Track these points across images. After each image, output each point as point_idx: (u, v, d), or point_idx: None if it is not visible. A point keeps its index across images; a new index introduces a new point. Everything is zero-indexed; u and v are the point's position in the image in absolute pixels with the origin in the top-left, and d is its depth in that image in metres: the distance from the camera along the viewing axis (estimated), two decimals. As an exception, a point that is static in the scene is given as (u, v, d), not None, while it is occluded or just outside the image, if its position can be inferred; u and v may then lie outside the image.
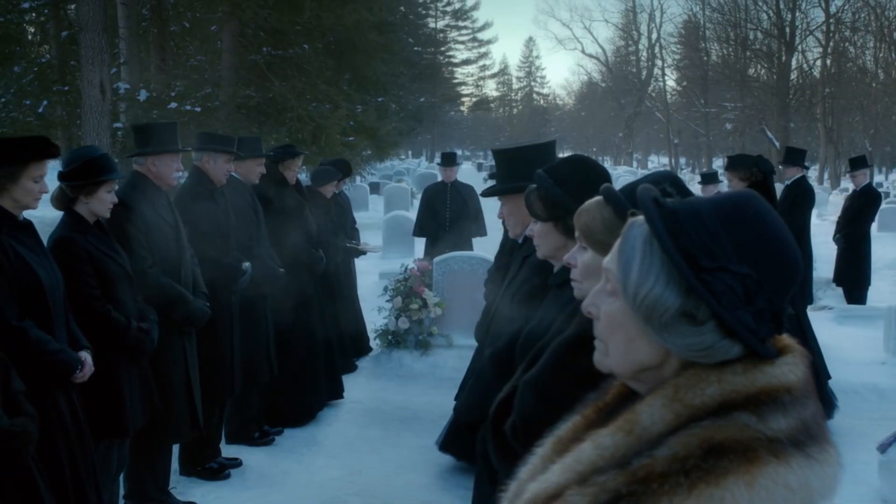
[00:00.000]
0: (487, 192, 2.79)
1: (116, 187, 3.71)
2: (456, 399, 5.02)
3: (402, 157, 45.29)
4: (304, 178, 8.09)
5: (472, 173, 39.32)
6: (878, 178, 38.05)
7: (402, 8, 29.86)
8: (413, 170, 33.89)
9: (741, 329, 1.00)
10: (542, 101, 73.23)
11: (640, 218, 1.14)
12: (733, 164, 5.97)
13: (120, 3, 14.82)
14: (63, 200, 3.55)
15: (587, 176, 2.25)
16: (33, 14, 14.29)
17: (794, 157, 7.57)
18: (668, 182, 1.71)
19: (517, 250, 2.81)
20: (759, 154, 6.69)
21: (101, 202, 3.53)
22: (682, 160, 51.15)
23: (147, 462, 4.07)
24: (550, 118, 71.23)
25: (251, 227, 5.04)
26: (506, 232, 4.76)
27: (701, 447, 0.96)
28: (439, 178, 8.97)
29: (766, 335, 1.03)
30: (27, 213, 3.17)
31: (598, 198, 1.78)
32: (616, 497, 0.99)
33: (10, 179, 3.02)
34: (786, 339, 1.08)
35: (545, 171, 2.29)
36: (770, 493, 0.93)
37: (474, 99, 60.07)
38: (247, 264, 4.67)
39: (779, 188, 8.35)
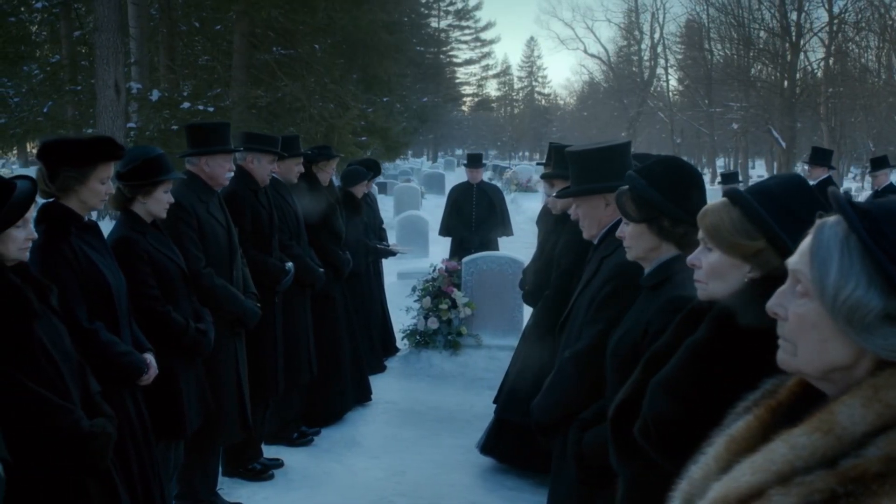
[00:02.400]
0: (564, 194, 2.78)
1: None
2: (495, 402, 5.02)
3: (404, 157, 45.27)
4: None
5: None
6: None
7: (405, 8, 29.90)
8: (418, 169, 33.84)
9: None
10: (543, 101, 73.22)
11: (831, 219, 1.14)
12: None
13: (131, 3, 14.82)
14: (120, 200, 3.54)
15: (681, 177, 2.25)
16: (44, 14, 14.23)
17: (821, 157, 7.59)
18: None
19: (593, 251, 2.80)
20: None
21: (159, 202, 3.51)
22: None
23: (199, 463, 4.07)
24: (552, 118, 71.25)
25: (291, 226, 5.04)
26: (544, 232, 4.77)
27: None
28: (465, 179, 8.99)
29: None
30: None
31: (723, 199, 1.78)
32: (832, 497, 1.00)
33: (79, 181, 3.00)
34: None
35: (638, 173, 2.28)
36: None
37: (476, 99, 60.04)
38: (290, 264, 4.67)
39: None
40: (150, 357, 3.20)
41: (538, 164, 6.00)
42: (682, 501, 1.29)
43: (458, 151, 63.54)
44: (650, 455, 1.77)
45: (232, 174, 4.19)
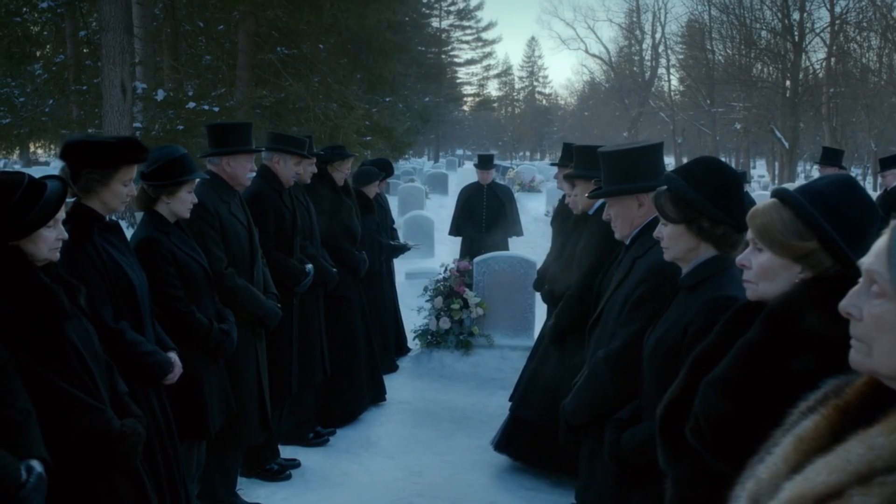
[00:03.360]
0: (597, 194, 2.78)
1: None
2: (511, 399, 5.02)
3: (406, 157, 45.22)
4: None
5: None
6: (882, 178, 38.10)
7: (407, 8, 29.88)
8: (420, 169, 33.82)
9: None
10: (544, 101, 73.21)
11: None
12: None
13: (136, 2, 14.80)
14: (144, 200, 3.53)
15: (721, 177, 2.25)
16: (49, 14, 14.21)
17: (832, 156, 7.59)
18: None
19: (625, 252, 2.80)
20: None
21: (183, 202, 3.51)
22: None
23: (219, 463, 4.06)
24: (553, 118, 71.24)
25: (305, 226, 5.03)
26: (564, 233, 4.77)
27: None
28: (475, 180, 8.99)
29: None
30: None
31: (773, 199, 1.78)
32: None
33: (102, 183, 2.99)
34: None
35: (676, 173, 2.28)
36: None
37: (477, 99, 60.00)
38: (310, 266, 4.66)
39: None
40: (174, 356, 3.20)
41: (552, 164, 6.01)
42: (750, 501, 1.29)
43: (459, 151, 63.53)
44: (701, 455, 1.77)
45: (253, 174, 4.19)
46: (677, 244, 2.28)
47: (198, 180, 3.62)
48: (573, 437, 2.85)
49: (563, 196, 5.94)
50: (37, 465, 2.03)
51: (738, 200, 2.27)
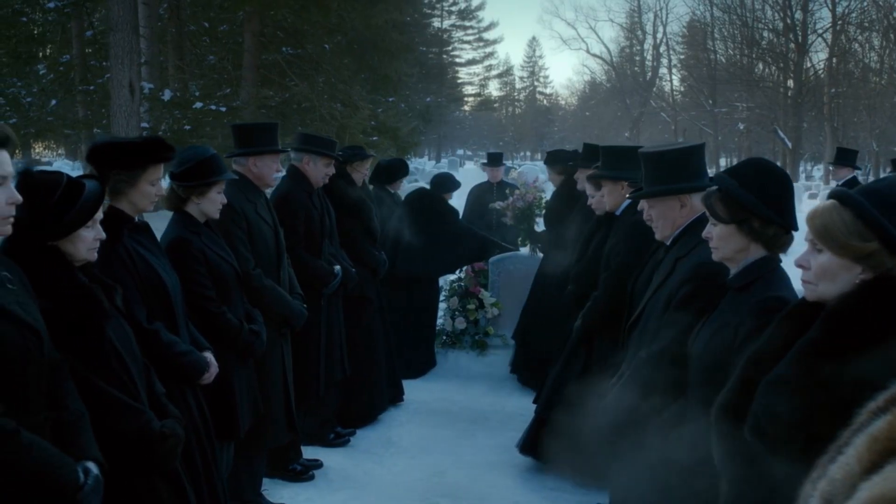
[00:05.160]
0: (641, 195, 2.78)
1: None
2: (535, 401, 5.02)
3: (408, 157, 45.21)
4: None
5: (478, 173, 39.26)
6: (883, 177, 38.11)
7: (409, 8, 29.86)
8: (422, 169, 33.80)
9: None
10: (545, 102, 73.21)
11: None
12: (551, 160, 6.65)
13: (141, 2, 14.80)
14: (174, 201, 3.53)
15: (772, 178, 2.25)
16: (55, 14, 14.21)
17: (846, 157, 7.59)
18: None
19: (665, 252, 2.80)
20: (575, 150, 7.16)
21: (213, 203, 3.50)
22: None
23: (245, 464, 4.05)
24: (554, 118, 71.22)
25: (325, 226, 5.03)
26: (586, 232, 4.76)
27: None
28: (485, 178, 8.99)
29: None
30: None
31: (832, 200, 1.79)
32: None
33: (129, 183, 2.98)
34: None
35: (728, 174, 2.28)
36: None
37: (478, 99, 59.98)
38: (338, 268, 4.66)
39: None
40: (210, 356, 3.20)
41: (570, 164, 6.03)
42: (823, 501, 1.29)
43: (460, 151, 63.48)
44: (760, 454, 1.77)
45: (279, 175, 4.18)
46: (727, 244, 2.28)
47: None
48: (612, 437, 2.84)
49: (553, 194, 5.98)
50: (93, 467, 2.03)
51: (789, 201, 2.27)
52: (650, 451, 2.54)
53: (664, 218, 2.74)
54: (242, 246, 3.81)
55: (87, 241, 2.52)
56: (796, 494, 1.69)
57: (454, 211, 6.99)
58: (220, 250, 3.55)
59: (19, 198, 1.99)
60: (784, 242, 2.27)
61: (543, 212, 6.70)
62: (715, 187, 2.27)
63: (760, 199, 2.20)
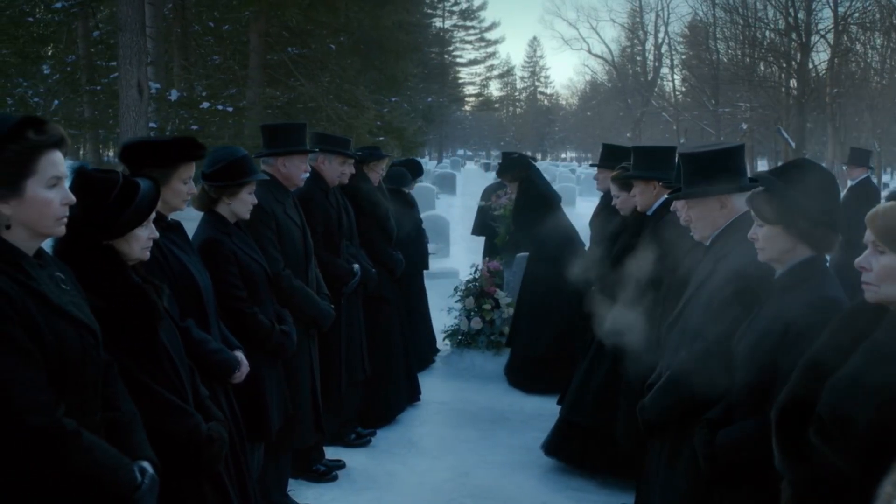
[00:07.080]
0: (681, 196, 2.77)
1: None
2: (559, 403, 5.01)
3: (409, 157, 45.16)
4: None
5: (479, 174, 39.23)
6: (884, 178, 38.18)
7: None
8: (427, 169, 33.81)
9: None
10: (546, 102, 73.21)
11: None
12: (502, 169, 6.87)
13: (148, 2, 14.77)
14: (205, 201, 3.52)
15: (819, 179, 2.25)
16: (62, 14, 14.17)
17: (860, 157, 7.59)
18: None
19: (705, 253, 2.79)
20: (520, 154, 7.49)
21: (243, 203, 3.50)
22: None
23: (273, 464, 4.05)
24: (555, 118, 71.22)
25: (345, 226, 5.03)
26: (609, 233, 4.76)
27: None
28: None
29: None
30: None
31: (893, 202, 1.78)
32: None
33: (161, 182, 2.98)
34: None
35: (773, 175, 2.28)
36: None
37: (479, 99, 59.95)
38: (357, 266, 4.66)
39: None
40: (240, 355, 3.19)
41: (591, 165, 6.06)
42: None
43: (461, 151, 63.50)
44: (825, 456, 1.76)
45: (307, 175, 4.18)
46: (773, 245, 2.28)
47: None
48: (653, 437, 2.83)
49: (603, 196, 5.95)
50: (148, 467, 2.03)
51: (836, 201, 2.27)
52: (690, 454, 2.53)
53: (704, 219, 2.73)
54: (272, 247, 3.81)
55: (142, 240, 2.51)
56: (861, 496, 1.69)
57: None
58: (250, 251, 3.54)
59: (73, 199, 1.99)
60: (831, 242, 2.26)
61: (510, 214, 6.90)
62: (761, 188, 2.27)
63: (807, 199, 2.20)
